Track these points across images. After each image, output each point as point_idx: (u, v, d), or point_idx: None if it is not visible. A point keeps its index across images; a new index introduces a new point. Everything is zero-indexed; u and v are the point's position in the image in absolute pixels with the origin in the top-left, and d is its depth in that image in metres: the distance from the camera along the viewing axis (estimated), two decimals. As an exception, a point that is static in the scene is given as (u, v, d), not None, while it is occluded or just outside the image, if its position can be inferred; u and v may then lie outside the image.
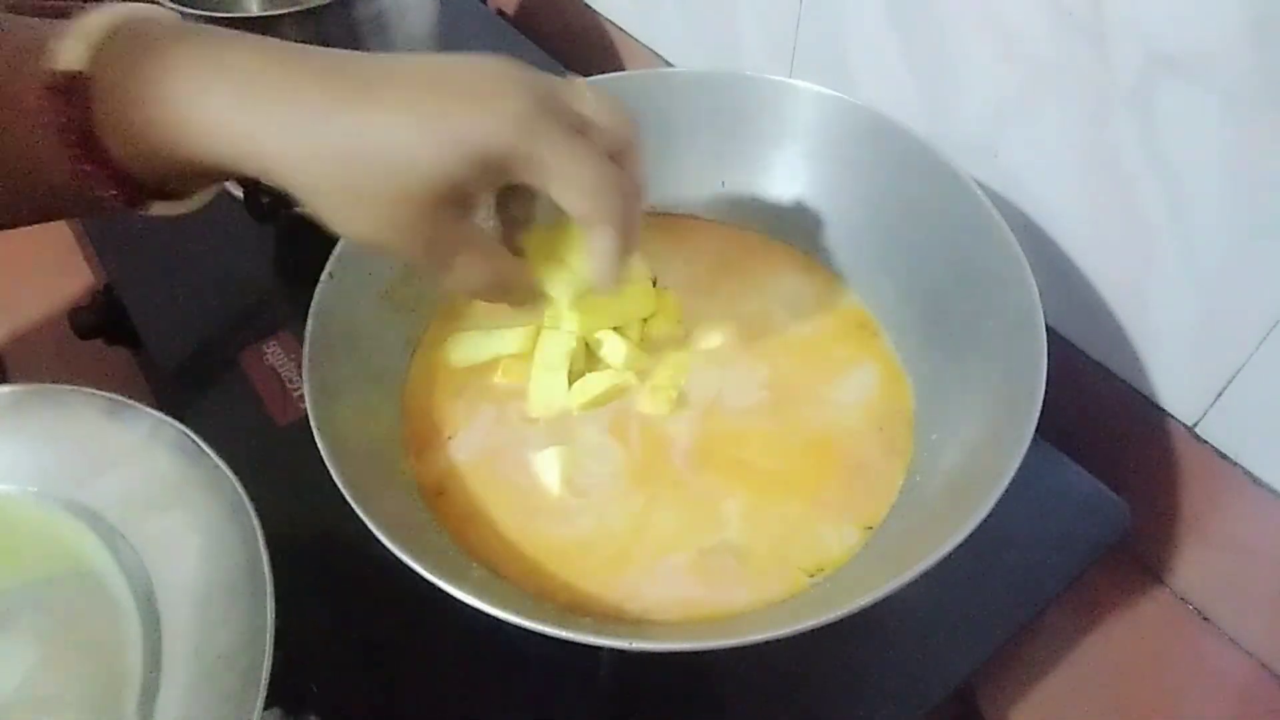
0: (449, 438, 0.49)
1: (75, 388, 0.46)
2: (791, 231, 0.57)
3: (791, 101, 0.54)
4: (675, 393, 0.49)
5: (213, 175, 0.36)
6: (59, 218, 0.43)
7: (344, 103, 0.32)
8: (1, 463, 0.45)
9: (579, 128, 0.34)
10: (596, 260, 0.37)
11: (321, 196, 0.34)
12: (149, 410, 0.45)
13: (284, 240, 0.65)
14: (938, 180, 0.49)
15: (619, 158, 0.36)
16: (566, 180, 0.34)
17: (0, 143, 0.34)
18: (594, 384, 0.48)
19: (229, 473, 0.42)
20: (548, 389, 0.49)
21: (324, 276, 0.47)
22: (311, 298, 0.46)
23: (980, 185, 0.47)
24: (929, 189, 0.50)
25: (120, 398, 0.45)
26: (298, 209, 0.64)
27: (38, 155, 0.34)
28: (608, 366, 0.49)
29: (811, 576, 0.43)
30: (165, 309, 0.61)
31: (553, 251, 0.42)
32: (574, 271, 0.41)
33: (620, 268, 0.37)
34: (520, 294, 0.40)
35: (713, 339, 0.52)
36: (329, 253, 0.48)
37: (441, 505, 0.47)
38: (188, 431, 0.43)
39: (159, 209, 0.37)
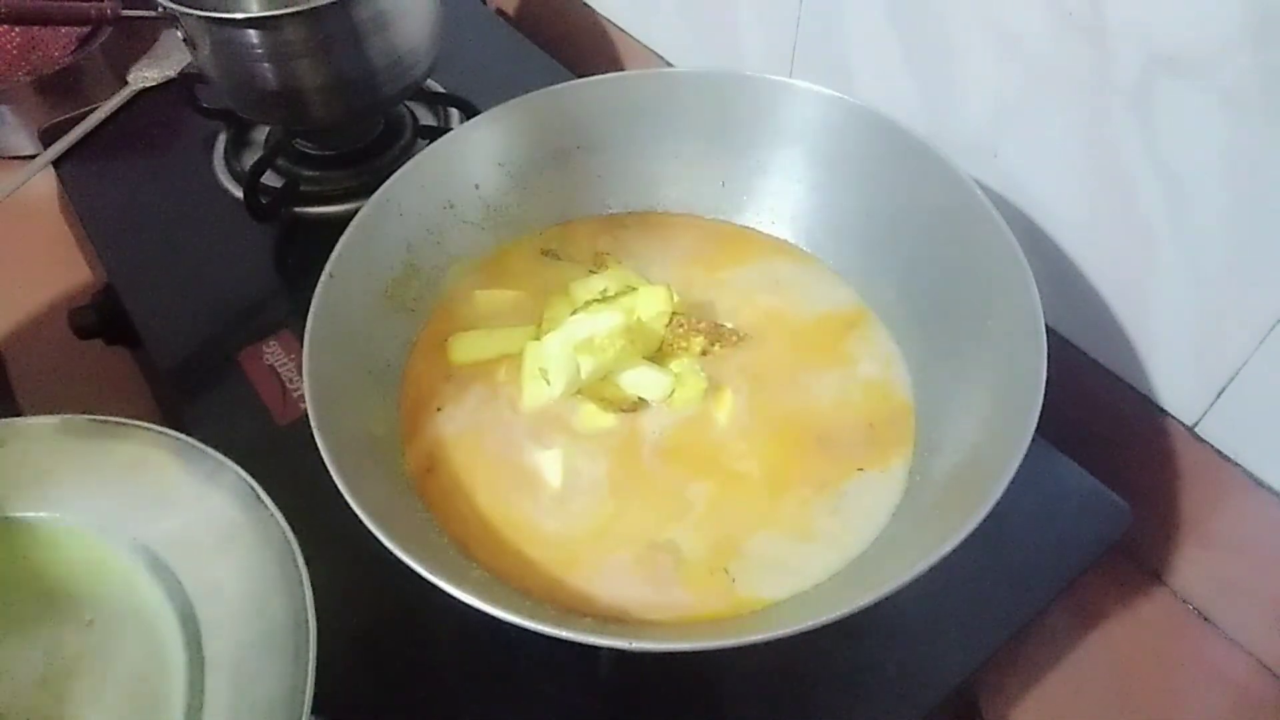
0: (438, 409, 0.50)
1: (141, 423, 0.46)
2: (791, 231, 0.57)
3: (791, 101, 0.54)
4: (692, 408, 0.50)
5: None
6: None
7: None
8: (63, 494, 0.45)
9: None
10: None
11: None
12: (211, 452, 0.44)
13: (284, 240, 0.65)
14: (938, 180, 0.49)
15: None
16: None
17: None
18: (603, 420, 0.49)
19: (282, 521, 0.42)
20: (535, 393, 0.50)
21: (324, 276, 0.47)
22: (311, 298, 0.46)
23: (980, 185, 0.47)
24: (929, 189, 0.50)
25: (186, 438, 0.45)
26: (297, 209, 0.64)
27: None
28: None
29: (731, 577, 0.43)
30: (165, 309, 0.61)
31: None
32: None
33: None
34: None
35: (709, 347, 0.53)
36: (329, 253, 0.48)
37: (430, 484, 0.47)
38: (247, 476, 0.43)
39: None
